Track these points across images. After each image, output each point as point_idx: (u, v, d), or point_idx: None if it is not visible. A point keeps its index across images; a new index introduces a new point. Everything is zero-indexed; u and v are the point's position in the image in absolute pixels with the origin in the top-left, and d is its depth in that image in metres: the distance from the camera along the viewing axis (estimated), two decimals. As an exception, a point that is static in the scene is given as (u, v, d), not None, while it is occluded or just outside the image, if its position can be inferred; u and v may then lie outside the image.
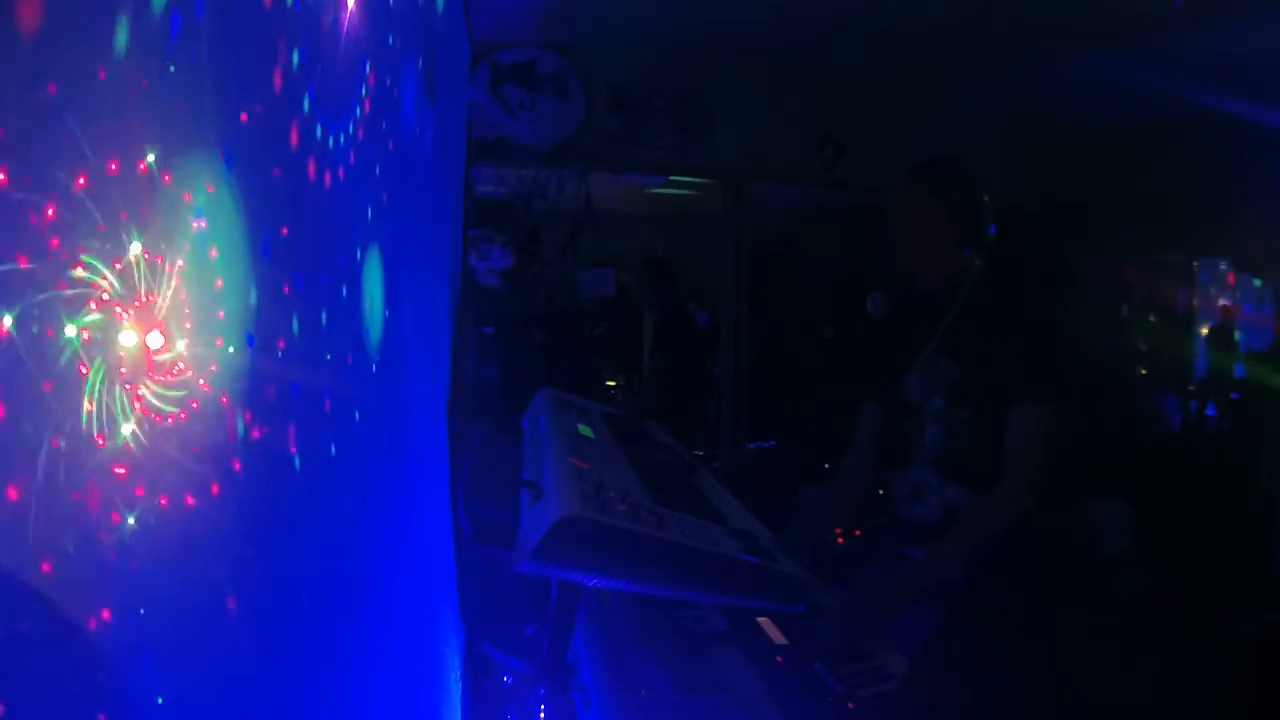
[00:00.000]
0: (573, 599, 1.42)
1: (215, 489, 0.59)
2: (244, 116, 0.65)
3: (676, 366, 5.44)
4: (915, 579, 1.90)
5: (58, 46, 0.42)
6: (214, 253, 0.60)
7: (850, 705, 1.64)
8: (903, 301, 2.16)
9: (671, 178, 5.94)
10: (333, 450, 0.86)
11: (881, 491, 2.16)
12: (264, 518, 0.68)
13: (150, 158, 0.51)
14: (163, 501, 0.52)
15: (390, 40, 1.19)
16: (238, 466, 0.62)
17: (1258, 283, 6.60)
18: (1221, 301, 6.73)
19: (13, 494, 0.39)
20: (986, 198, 2.05)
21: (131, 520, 0.48)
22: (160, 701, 0.50)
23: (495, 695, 1.67)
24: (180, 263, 0.54)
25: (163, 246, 0.52)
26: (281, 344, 0.73)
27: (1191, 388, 6.59)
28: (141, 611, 0.49)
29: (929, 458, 2.01)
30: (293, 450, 0.75)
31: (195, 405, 0.56)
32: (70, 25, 0.43)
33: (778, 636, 1.84)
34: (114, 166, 0.47)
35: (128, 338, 0.49)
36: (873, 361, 2.23)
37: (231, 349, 0.62)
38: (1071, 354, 2.05)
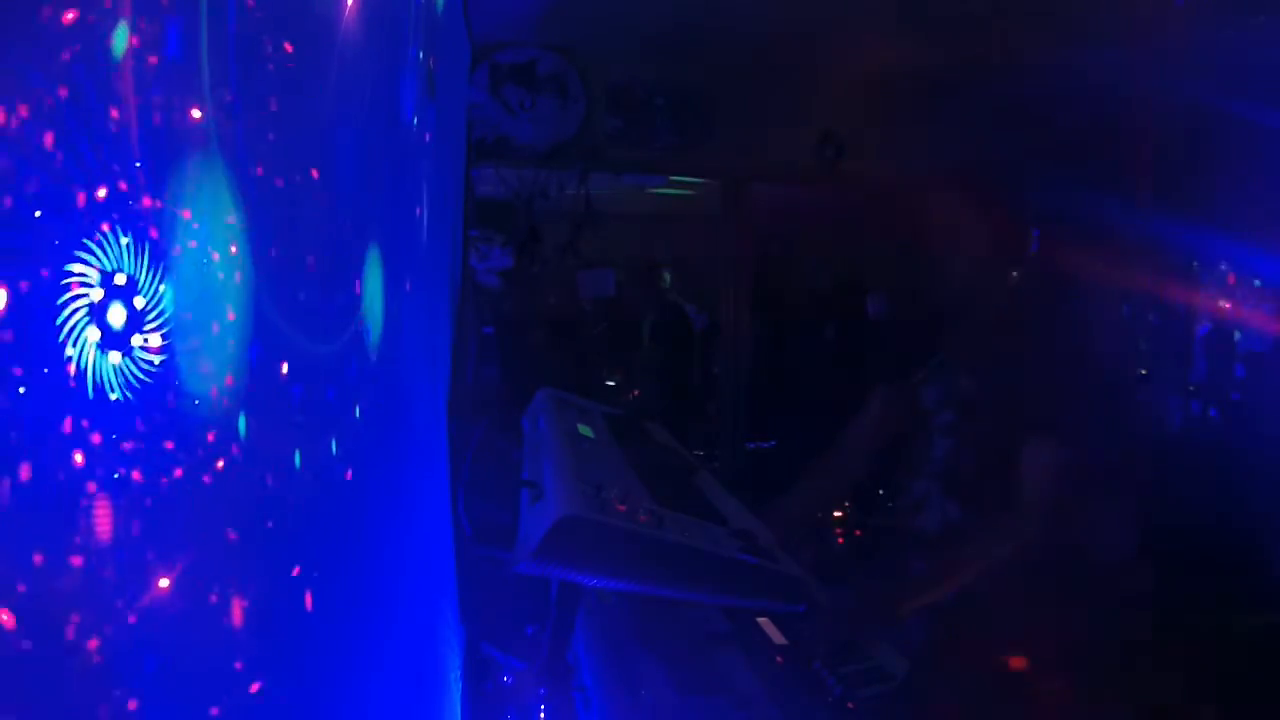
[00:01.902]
0: (573, 599, 1.41)
1: (214, 489, 0.58)
2: (241, 115, 0.64)
3: (672, 367, 5.44)
4: (914, 594, 1.89)
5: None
6: (214, 253, 0.60)
7: (850, 705, 1.63)
8: (923, 301, 2.10)
9: (671, 178, 5.94)
10: (333, 450, 0.86)
11: (883, 494, 2.15)
12: (263, 518, 0.68)
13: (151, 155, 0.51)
14: (162, 501, 0.52)
15: (390, 39, 1.19)
16: (236, 466, 0.62)
17: (1258, 283, 6.60)
18: (1222, 302, 6.73)
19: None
20: (1027, 215, 1.98)
21: (131, 521, 0.48)
22: (159, 702, 0.50)
23: (495, 695, 1.67)
24: (179, 262, 0.54)
25: (162, 245, 0.52)
26: (280, 343, 0.72)
27: (1192, 388, 6.58)
28: (140, 612, 0.49)
29: (935, 470, 1.98)
30: (292, 450, 0.74)
31: (193, 404, 0.56)
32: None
33: (778, 636, 1.84)
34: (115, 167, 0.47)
35: (126, 332, 0.49)
36: (889, 341, 2.21)
37: (230, 347, 0.62)
38: (1092, 382, 1.98)
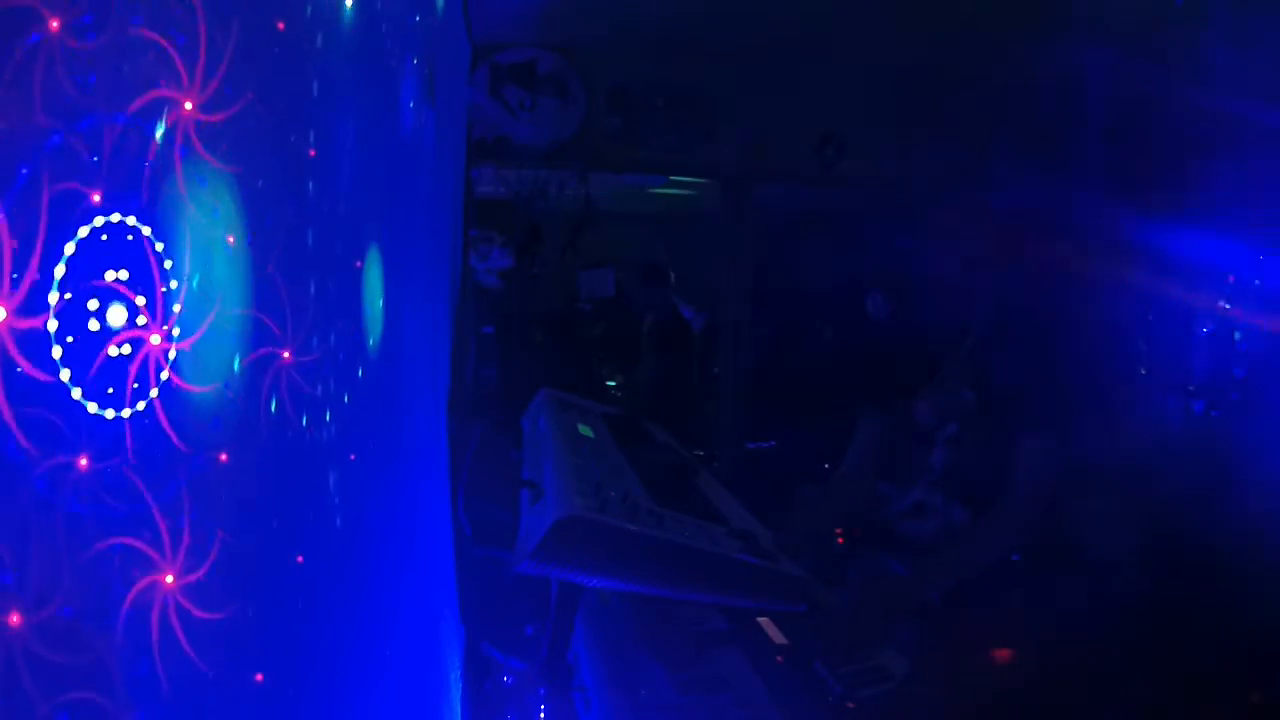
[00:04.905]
0: (573, 599, 1.42)
1: (215, 490, 0.59)
2: (244, 117, 0.65)
3: (671, 367, 5.43)
4: (915, 591, 1.89)
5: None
6: (217, 254, 0.60)
7: (850, 705, 1.63)
8: (915, 316, 2.12)
9: (671, 178, 5.94)
10: (333, 449, 0.86)
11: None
12: (264, 518, 0.68)
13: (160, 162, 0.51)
14: (166, 502, 0.52)
15: (389, 41, 1.19)
16: (237, 466, 0.62)
17: (1258, 283, 6.59)
18: (1222, 302, 6.72)
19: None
20: (1008, 220, 2.00)
21: (132, 521, 0.48)
22: (163, 701, 0.50)
23: (495, 695, 1.67)
24: (184, 263, 0.54)
25: (166, 247, 0.52)
26: (281, 343, 0.72)
27: (1191, 388, 6.57)
28: (144, 612, 0.49)
29: (935, 479, 1.98)
30: (293, 449, 0.75)
31: (194, 403, 0.56)
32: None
33: (778, 636, 1.84)
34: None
35: (129, 330, 0.49)
36: (878, 368, 2.21)
37: (230, 347, 0.62)
38: (1081, 378, 2.01)
